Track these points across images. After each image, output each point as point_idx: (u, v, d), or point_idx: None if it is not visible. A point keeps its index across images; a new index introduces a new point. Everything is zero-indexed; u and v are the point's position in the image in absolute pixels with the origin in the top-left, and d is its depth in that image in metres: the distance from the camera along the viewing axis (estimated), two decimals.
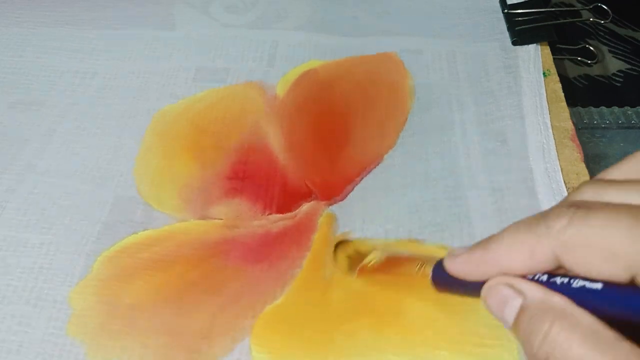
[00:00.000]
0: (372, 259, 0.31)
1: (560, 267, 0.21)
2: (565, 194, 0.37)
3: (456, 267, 0.23)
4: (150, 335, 0.32)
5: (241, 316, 0.33)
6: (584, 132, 0.45)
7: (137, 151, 0.41)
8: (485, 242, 0.22)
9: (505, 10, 0.51)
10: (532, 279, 0.21)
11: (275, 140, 0.42)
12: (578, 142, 0.41)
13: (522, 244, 0.21)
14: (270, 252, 0.36)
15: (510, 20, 0.50)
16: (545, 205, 0.37)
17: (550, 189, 0.38)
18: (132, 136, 0.42)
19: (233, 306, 0.33)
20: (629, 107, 0.47)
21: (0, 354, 0.31)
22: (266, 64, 0.48)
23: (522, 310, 0.21)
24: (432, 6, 0.52)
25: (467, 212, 0.37)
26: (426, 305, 0.33)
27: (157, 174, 0.40)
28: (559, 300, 0.20)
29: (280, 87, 0.46)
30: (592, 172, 0.39)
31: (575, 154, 0.40)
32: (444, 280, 0.24)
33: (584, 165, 0.39)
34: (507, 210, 0.37)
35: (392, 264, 0.30)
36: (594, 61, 0.50)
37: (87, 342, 0.32)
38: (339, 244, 0.33)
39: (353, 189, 0.40)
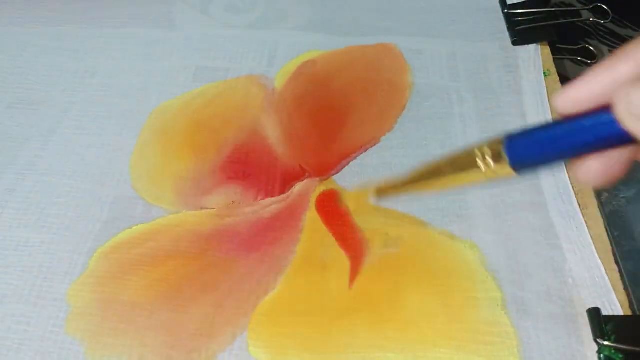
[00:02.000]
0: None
1: None
2: (571, 192, 0.38)
3: (581, 95, 0.21)
4: (149, 333, 0.32)
5: (239, 311, 0.33)
6: None
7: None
8: (610, 59, 0.21)
9: (505, 10, 0.51)
10: None
11: (273, 133, 0.42)
12: None
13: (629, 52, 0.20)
14: (263, 239, 0.36)
15: (510, 20, 0.50)
16: (552, 202, 0.37)
17: (556, 187, 0.38)
18: (132, 136, 0.42)
19: (230, 301, 0.33)
20: None
21: (1, 352, 0.31)
22: (266, 63, 0.48)
23: None
24: (432, 6, 0.53)
25: (467, 200, 0.38)
26: (426, 300, 0.33)
27: (154, 169, 0.40)
28: None
29: (279, 80, 0.46)
30: None
31: None
32: (529, 150, 0.22)
33: None
34: (509, 204, 0.37)
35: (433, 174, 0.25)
36: (594, 61, 0.50)
37: (86, 340, 0.32)
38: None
39: (348, 164, 0.40)
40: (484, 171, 0.22)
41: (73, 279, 0.34)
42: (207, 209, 0.38)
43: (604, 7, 0.51)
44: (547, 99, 0.43)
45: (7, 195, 0.39)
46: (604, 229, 0.36)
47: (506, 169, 0.22)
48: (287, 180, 0.39)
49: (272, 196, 0.38)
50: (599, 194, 0.39)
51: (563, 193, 0.38)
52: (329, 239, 0.36)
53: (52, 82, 0.46)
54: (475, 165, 0.23)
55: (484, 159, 0.22)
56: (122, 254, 0.35)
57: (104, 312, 0.33)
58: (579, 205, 0.37)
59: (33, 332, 0.32)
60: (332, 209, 0.38)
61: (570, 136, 0.21)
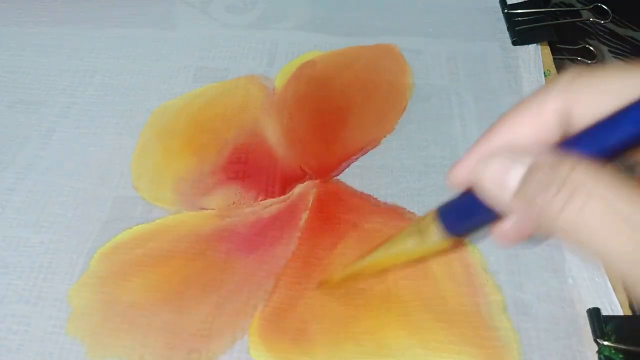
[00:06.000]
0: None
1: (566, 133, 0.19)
2: None
3: (461, 171, 0.21)
4: (149, 333, 0.32)
5: (240, 313, 0.33)
6: None
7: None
8: (486, 131, 0.21)
9: (505, 10, 0.51)
10: None
11: (273, 133, 0.42)
12: None
13: (528, 108, 0.20)
14: (263, 239, 0.36)
15: (510, 20, 0.50)
16: None
17: None
18: (132, 135, 0.42)
19: (231, 303, 0.33)
20: None
21: (1, 352, 0.31)
22: (266, 63, 0.48)
23: (531, 169, 0.18)
24: (432, 6, 0.52)
25: None
26: (427, 306, 0.33)
27: (154, 169, 0.40)
28: (574, 155, 0.18)
29: (279, 80, 0.46)
30: None
31: None
32: (456, 217, 0.23)
33: None
34: None
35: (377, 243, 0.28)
36: (594, 61, 0.50)
37: (86, 341, 0.32)
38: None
39: (349, 165, 0.40)
40: (419, 241, 0.25)
41: (73, 279, 0.34)
42: (207, 209, 0.38)
43: (604, 7, 0.51)
44: None
45: (7, 194, 0.39)
46: None
47: (439, 236, 0.24)
48: (288, 182, 0.39)
49: (273, 197, 0.38)
50: None
51: None
52: (327, 240, 0.36)
53: (52, 81, 0.46)
54: (412, 235, 0.25)
55: (419, 231, 0.25)
56: (123, 254, 0.35)
57: (104, 313, 0.33)
58: None
59: (33, 333, 0.32)
60: (330, 209, 0.37)
61: (475, 208, 0.22)
